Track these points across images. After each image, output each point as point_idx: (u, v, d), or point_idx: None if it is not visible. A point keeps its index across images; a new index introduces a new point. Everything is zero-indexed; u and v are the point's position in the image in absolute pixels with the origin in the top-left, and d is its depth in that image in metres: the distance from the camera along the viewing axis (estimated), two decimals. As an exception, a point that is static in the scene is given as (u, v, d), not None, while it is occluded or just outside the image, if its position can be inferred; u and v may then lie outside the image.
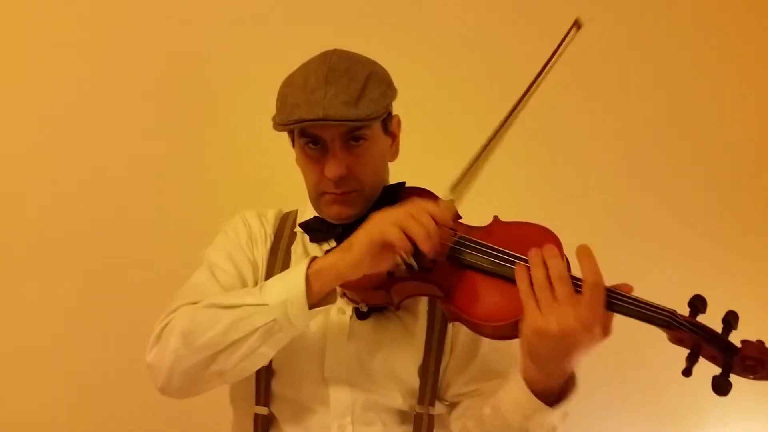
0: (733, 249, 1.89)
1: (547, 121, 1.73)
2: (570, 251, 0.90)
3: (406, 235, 0.89)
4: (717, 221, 1.91)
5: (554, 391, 0.89)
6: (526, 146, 1.74)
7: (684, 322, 0.82)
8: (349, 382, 1.08)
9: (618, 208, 1.91)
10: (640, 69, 1.89)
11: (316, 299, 0.95)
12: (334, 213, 1.08)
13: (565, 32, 0.98)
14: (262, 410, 1.11)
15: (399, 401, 1.09)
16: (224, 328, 0.94)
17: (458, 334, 1.11)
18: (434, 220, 0.91)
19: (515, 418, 0.92)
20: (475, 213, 1.05)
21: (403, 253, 0.91)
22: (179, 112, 1.86)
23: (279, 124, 1.03)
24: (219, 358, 0.95)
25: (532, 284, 0.83)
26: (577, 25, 0.99)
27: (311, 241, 1.15)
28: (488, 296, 0.92)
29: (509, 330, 0.88)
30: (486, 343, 1.09)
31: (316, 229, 1.13)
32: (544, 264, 0.83)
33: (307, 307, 0.93)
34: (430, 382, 1.09)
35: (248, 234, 1.19)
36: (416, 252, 0.91)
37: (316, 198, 1.10)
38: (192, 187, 1.87)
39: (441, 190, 1.01)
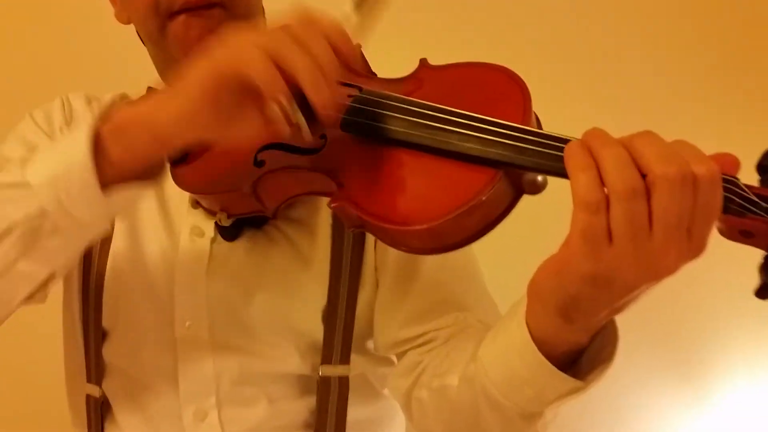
0: None
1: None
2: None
3: (282, 69, 0.49)
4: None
5: (574, 351, 0.53)
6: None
7: (756, 198, 0.45)
8: (212, 343, 0.70)
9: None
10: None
11: (119, 174, 0.54)
12: (192, 45, 0.66)
13: None
14: (93, 390, 0.75)
15: (294, 362, 0.72)
16: None
17: (385, 251, 0.74)
18: (334, 46, 0.51)
19: (515, 400, 0.55)
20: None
21: (283, 103, 0.51)
22: None
23: None
24: None
25: (589, 198, 0.43)
26: None
27: None
28: (411, 183, 0.54)
29: (450, 233, 0.51)
30: (427, 258, 0.73)
31: None
32: (631, 161, 0.43)
33: (96, 186, 0.53)
34: (341, 330, 0.72)
35: (65, 120, 0.78)
36: (302, 105, 0.51)
37: (158, 32, 0.69)
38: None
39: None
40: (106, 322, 0.73)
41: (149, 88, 0.75)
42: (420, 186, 0.53)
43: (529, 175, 0.52)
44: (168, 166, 0.58)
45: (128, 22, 0.75)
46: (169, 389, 0.70)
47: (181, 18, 0.67)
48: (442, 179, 0.52)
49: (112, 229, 0.72)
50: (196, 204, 0.70)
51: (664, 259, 0.44)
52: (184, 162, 0.64)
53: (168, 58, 0.71)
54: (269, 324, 0.71)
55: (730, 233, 0.46)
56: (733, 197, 0.45)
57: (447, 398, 0.64)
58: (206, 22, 0.67)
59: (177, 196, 0.70)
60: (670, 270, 0.44)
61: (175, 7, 0.67)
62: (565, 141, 0.47)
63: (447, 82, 0.60)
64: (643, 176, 0.43)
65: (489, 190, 0.50)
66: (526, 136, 0.50)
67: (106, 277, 0.72)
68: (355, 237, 0.72)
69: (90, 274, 0.74)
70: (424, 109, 0.54)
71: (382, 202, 0.53)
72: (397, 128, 0.55)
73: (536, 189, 0.53)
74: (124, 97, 0.82)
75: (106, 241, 0.72)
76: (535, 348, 0.52)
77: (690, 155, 0.43)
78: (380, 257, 0.74)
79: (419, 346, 0.72)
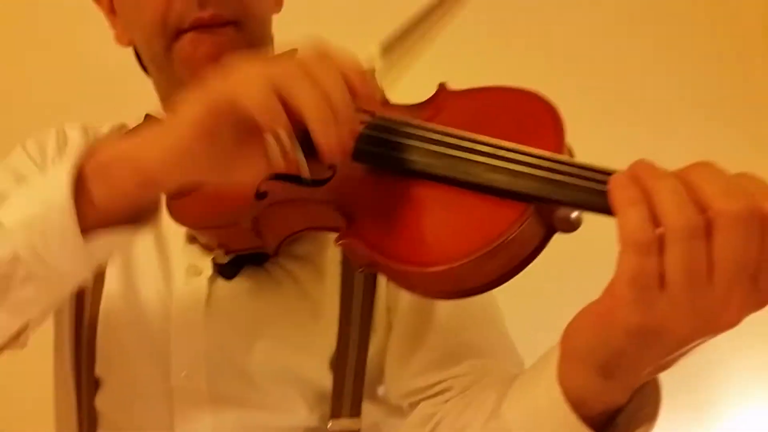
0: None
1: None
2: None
3: (287, 104, 0.44)
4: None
5: (610, 411, 0.47)
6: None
7: None
8: (210, 394, 0.64)
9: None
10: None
11: (103, 217, 0.48)
12: (200, 64, 0.62)
13: None
14: None
15: (301, 414, 0.66)
16: None
17: (397, 294, 0.68)
18: (349, 84, 0.45)
19: None
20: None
21: (282, 138, 0.45)
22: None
23: None
24: None
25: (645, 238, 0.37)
26: None
27: None
28: (429, 219, 0.48)
29: (471, 276, 0.46)
30: (442, 303, 0.67)
31: None
32: (692, 202, 0.37)
33: (76, 232, 0.47)
34: (351, 380, 0.66)
35: (59, 152, 0.73)
36: (305, 141, 0.45)
37: (164, 52, 0.64)
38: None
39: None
40: (99, 370, 0.67)
41: (147, 116, 0.70)
42: (439, 222, 0.47)
43: (562, 211, 0.46)
44: (163, 206, 0.53)
45: (130, 45, 0.70)
46: None
47: (190, 35, 0.63)
48: (464, 215, 0.46)
49: (105, 267, 0.67)
50: (192, 239, 0.65)
51: (725, 310, 0.38)
52: (181, 194, 0.59)
53: (172, 81, 0.66)
54: (273, 373, 0.65)
55: None
56: None
57: None
58: (217, 39, 0.63)
59: (174, 229, 0.64)
60: (731, 323, 0.38)
61: (185, 25, 0.62)
62: (607, 173, 0.42)
63: (470, 107, 0.55)
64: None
65: (517, 228, 0.44)
66: (562, 167, 0.44)
67: (99, 321, 0.67)
68: (366, 276, 0.66)
69: (83, 317, 0.68)
70: (445, 137, 0.49)
71: (396, 239, 0.48)
72: (415, 158, 0.49)
73: (570, 227, 0.47)
74: (122, 128, 0.77)
75: (99, 280, 0.67)
76: (569, 410, 0.46)
77: (757, 189, 0.37)
78: (392, 297, 0.68)
79: (434, 395, 0.66)
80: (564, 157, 0.45)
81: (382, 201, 0.51)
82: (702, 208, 0.36)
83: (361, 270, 0.51)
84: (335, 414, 0.65)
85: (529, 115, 0.50)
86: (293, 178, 0.55)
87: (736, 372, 1.54)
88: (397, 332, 0.68)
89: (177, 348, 0.64)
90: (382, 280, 0.68)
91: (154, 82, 0.70)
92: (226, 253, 0.61)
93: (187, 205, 0.59)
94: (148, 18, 0.63)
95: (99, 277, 0.68)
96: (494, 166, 0.46)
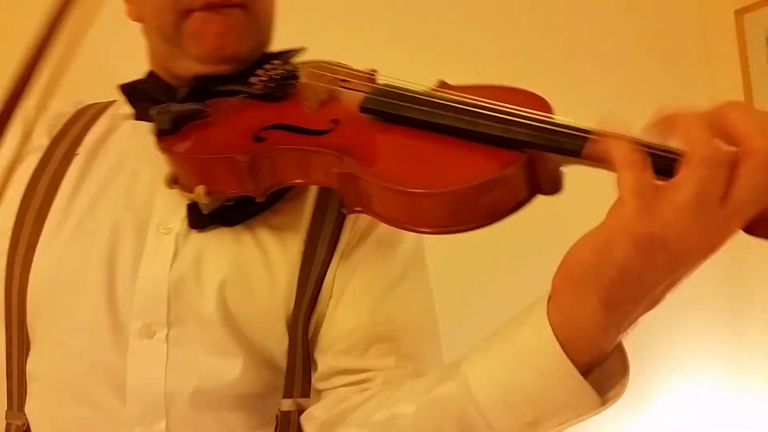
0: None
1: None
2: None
3: None
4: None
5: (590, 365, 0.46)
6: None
7: None
8: (167, 353, 0.62)
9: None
10: None
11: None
12: (210, 41, 0.65)
13: None
14: (17, 418, 0.63)
15: (252, 381, 0.64)
16: None
17: (351, 270, 0.69)
18: None
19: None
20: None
21: None
22: None
23: None
24: None
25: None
26: None
27: (138, 117, 0.69)
28: (430, 156, 0.52)
29: (465, 205, 0.48)
30: (381, 284, 0.68)
31: (148, 93, 0.69)
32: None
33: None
34: (301, 362, 0.65)
35: None
36: None
37: (173, 28, 0.66)
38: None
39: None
40: (34, 331, 0.64)
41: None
42: (440, 159, 0.51)
43: (549, 167, 0.51)
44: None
45: (139, 20, 0.71)
46: (110, 409, 0.61)
47: (200, 15, 0.65)
48: (464, 156, 0.50)
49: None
50: (173, 182, 0.63)
51: (723, 234, 0.40)
52: (175, 132, 0.60)
53: (177, 53, 0.67)
54: (231, 333, 0.63)
55: None
56: None
57: (394, 425, 0.56)
58: (226, 19, 0.65)
59: (151, 178, 0.65)
60: (718, 246, 0.41)
61: (195, 6, 0.65)
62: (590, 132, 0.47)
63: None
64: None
65: (512, 169, 0.48)
66: (555, 120, 0.49)
67: (40, 279, 0.64)
68: (330, 241, 0.67)
69: (12, 274, 0.65)
70: (448, 100, 0.54)
71: (396, 168, 0.51)
72: (420, 108, 0.54)
73: (553, 187, 0.51)
74: (78, 103, 0.75)
75: (35, 237, 0.65)
76: (559, 348, 0.44)
77: None
78: (342, 270, 0.68)
79: (353, 384, 0.64)
80: (557, 117, 0.51)
81: (383, 147, 0.54)
82: (732, 142, 0.39)
83: (352, 209, 0.53)
84: (287, 394, 0.65)
85: (522, 103, 0.56)
86: (295, 128, 0.57)
87: (669, 353, 1.59)
88: (342, 304, 0.67)
89: (139, 302, 0.62)
90: (337, 253, 0.68)
91: (153, 48, 0.71)
92: (208, 194, 0.60)
93: (182, 138, 0.59)
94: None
95: (34, 235, 0.65)
96: (493, 116, 0.51)
